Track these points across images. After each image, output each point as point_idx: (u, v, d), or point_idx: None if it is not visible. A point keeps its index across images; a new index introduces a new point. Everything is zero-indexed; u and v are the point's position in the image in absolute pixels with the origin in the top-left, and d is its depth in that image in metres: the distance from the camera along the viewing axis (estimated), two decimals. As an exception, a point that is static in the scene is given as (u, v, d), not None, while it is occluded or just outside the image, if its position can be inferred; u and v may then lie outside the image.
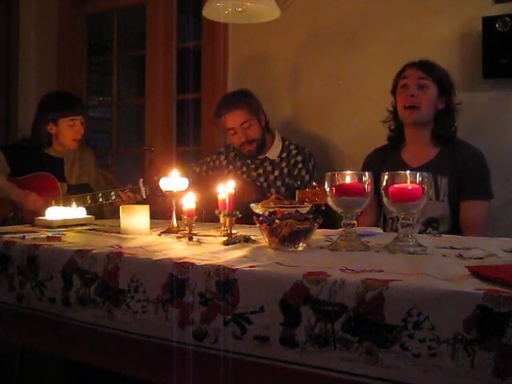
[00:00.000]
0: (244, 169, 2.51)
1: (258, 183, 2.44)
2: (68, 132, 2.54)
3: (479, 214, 1.98)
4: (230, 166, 2.55)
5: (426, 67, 2.04)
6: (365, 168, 2.16)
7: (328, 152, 2.68)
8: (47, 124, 2.53)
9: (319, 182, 1.53)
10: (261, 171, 2.47)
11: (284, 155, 2.46)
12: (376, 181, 1.28)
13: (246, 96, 2.45)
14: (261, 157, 2.48)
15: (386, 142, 2.21)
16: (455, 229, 2.00)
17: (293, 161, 2.43)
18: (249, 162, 2.51)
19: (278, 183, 2.41)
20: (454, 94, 2.08)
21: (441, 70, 2.07)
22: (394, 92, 2.13)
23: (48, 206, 1.97)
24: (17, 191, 2.37)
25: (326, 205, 1.35)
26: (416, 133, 2.08)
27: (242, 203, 2.06)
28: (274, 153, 2.47)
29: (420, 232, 1.95)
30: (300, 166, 2.41)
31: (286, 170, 2.42)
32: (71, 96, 2.72)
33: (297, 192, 1.66)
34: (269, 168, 2.46)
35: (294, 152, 2.45)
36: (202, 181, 2.55)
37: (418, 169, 1.53)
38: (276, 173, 2.43)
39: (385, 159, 2.14)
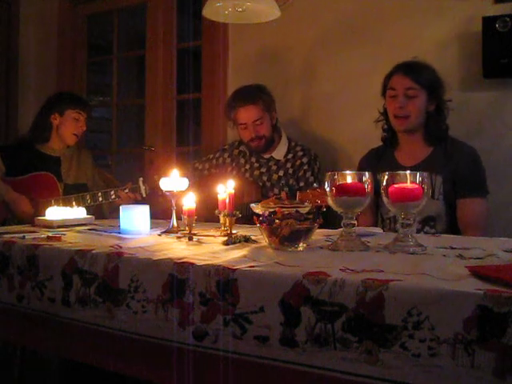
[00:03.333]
0: (247, 167, 2.50)
1: (261, 182, 2.43)
2: (71, 124, 2.55)
3: (477, 211, 1.99)
4: (234, 164, 2.54)
5: (414, 73, 2.01)
6: (359, 169, 2.16)
7: (332, 151, 2.68)
8: (52, 113, 2.54)
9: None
10: (264, 170, 2.46)
11: (290, 156, 2.44)
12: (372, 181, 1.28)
13: (262, 91, 2.43)
14: (266, 156, 2.47)
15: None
16: (452, 227, 2.00)
17: (298, 162, 2.41)
18: (253, 160, 2.50)
19: (282, 183, 2.40)
20: (444, 92, 2.06)
21: (429, 73, 2.04)
22: (384, 95, 2.13)
23: (46, 207, 1.97)
24: (10, 193, 2.36)
25: (327, 206, 1.35)
26: (408, 136, 2.09)
27: (243, 203, 2.06)
28: (280, 153, 2.46)
29: (417, 231, 1.95)
30: (305, 167, 2.39)
31: (290, 171, 2.41)
32: (80, 95, 3.01)
33: (297, 193, 1.66)
34: (273, 168, 2.45)
35: (299, 153, 2.44)
36: (204, 179, 2.55)
37: (412, 168, 1.53)
38: (280, 173, 2.42)
39: (379, 160, 2.14)
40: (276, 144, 2.48)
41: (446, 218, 2.01)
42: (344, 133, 2.66)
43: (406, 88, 2.01)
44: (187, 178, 1.70)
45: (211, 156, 2.64)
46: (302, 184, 2.37)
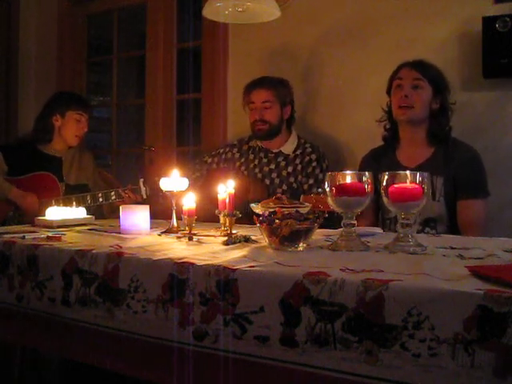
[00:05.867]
0: (256, 162, 2.52)
1: (270, 179, 2.45)
2: (73, 125, 2.55)
3: (477, 213, 1.99)
4: (242, 160, 2.56)
5: (421, 67, 2.05)
6: (360, 169, 2.16)
7: (335, 149, 2.68)
8: (54, 115, 2.54)
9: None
10: (273, 166, 2.48)
11: (298, 152, 2.47)
12: (373, 182, 1.28)
13: (280, 82, 2.50)
14: (275, 150, 2.50)
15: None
16: (453, 228, 2.00)
17: (307, 158, 2.44)
18: (262, 155, 2.52)
19: (291, 179, 2.42)
20: (449, 93, 2.08)
21: (435, 70, 2.07)
22: (388, 92, 2.14)
23: (47, 207, 1.97)
24: (14, 191, 2.37)
25: (330, 212, 1.35)
26: (411, 132, 2.09)
27: (246, 201, 2.06)
28: (289, 148, 2.49)
29: (418, 232, 1.95)
30: (314, 164, 2.42)
31: (299, 167, 2.43)
32: (82, 96, 3.00)
33: (301, 197, 1.66)
34: (282, 164, 2.47)
35: (308, 150, 2.47)
36: (212, 173, 2.56)
37: (414, 169, 1.53)
38: (289, 169, 2.45)
39: (380, 160, 2.14)
40: (285, 139, 2.50)
41: (446, 219, 2.01)
42: (346, 131, 2.66)
43: (413, 78, 2.03)
44: (195, 171, 1.70)
45: (221, 150, 2.66)
46: (311, 181, 2.39)
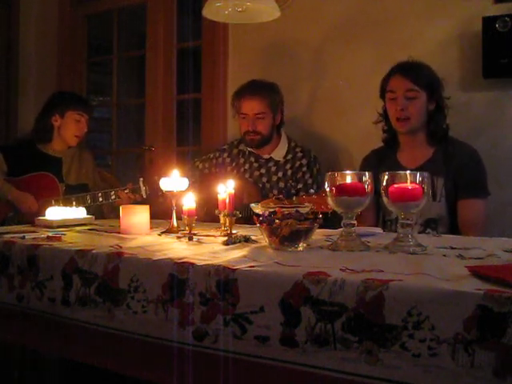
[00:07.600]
0: (247, 167, 2.50)
1: (261, 184, 2.43)
2: (72, 126, 2.54)
3: (477, 212, 1.99)
4: (233, 164, 2.54)
5: (413, 75, 2.01)
6: (361, 170, 2.15)
7: (334, 150, 2.68)
8: (53, 115, 2.54)
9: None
10: (263, 171, 2.45)
11: (289, 157, 2.44)
12: (374, 182, 1.28)
13: (272, 89, 2.44)
14: (266, 156, 2.47)
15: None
16: (454, 229, 2.00)
17: (297, 163, 2.41)
18: (252, 160, 2.49)
19: (281, 185, 2.39)
20: (443, 90, 2.06)
21: (427, 73, 2.04)
22: (382, 96, 2.12)
23: (47, 207, 1.97)
24: (14, 192, 2.37)
25: (323, 213, 1.35)
26: (410, 139, 2.09)
27: (242, 204, 2.06)
28: (279, 153, 2.45)
29: (419, 233, 1.95)
30: (304, 169, 2.39)
31: (289, 173, 2.41)
32: (82, 96, 3.01)
33: (294, 198, 1.66)
34: (273, 169, 2.44)
35: (299, 154, 2.43)
36: (204, 178, 2.55)
37: (414, 170, 1.53)
38: (280, 174, 2.42)
39: (381, 161, 2.14)
40: (276, 144, 2.47)
41: (448, 220, 2.01)
42: (346, 132, 2.65)
43: (406, 90, 2.01)
44: (187, 176, 1.70)
45: (211, 155, 2.64)
46: (300, 186, 2.36)
